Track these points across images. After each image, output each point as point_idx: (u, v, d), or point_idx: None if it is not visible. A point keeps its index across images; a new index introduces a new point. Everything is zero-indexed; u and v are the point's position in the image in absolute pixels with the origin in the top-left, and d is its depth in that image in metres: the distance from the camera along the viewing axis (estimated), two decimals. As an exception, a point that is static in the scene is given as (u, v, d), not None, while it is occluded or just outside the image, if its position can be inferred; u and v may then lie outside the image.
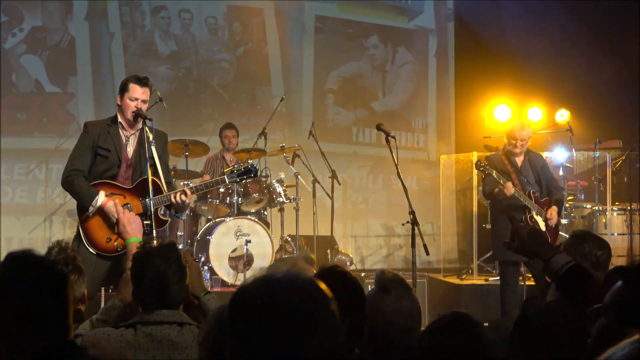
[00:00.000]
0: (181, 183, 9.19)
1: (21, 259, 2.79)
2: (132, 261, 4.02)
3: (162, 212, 6.72)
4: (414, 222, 6.81)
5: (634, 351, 1.47)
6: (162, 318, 3.79)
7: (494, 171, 8.55)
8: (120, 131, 6.68)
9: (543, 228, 8.64)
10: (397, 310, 3.47)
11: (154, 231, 6.37)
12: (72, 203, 7.00)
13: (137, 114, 6.59)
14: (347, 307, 3.13)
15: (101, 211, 6.48)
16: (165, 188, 6.62)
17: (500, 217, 8.80)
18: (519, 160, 9.02)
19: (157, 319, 3.79)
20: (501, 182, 8.49)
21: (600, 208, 11.06)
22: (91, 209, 6.46)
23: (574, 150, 11.52)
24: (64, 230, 11.65)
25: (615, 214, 11.03)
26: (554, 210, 8.87)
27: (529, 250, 3.48)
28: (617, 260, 10.69)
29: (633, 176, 11.32)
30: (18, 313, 2.68)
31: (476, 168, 8.83)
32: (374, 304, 3.46)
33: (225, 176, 7.03)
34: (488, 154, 11.49)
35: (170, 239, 4.04)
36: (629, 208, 10.99)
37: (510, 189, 8.47)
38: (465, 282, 10.88)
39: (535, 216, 8.72)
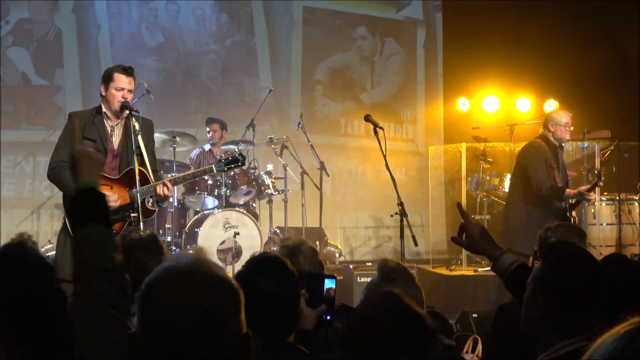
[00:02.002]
0: (169, 175, 9.16)
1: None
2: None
3: (149, 202, 6.70)
4: (403, 214, 6.80)
5: (615, 349, 1.44)
6: None
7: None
8: (105, 121, 6.63)
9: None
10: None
11: (141, 222, 6.34)
12: (60, 196, 6.96)
13: (124, 106, 6.55)
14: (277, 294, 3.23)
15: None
16: (152, 178, 6.59)
17: (541, 219, 8.42)
18: (557, 153, 8.70)
19: None
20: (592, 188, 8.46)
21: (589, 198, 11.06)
22: None
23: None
24: (52, 223, 11.60)
25: (604, 204, 11.04)
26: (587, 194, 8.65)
27: (478, 248, 3.58)
28: (606, 250, 10.73)
29: (622, 166, 11.32)
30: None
31: (597, 177, 8.72)
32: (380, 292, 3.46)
33: (213, 166, 7.01)
34: (477, 145, 11.52)
35: (153, 231, 4.02)
36: (617, 198, 11.01)
37: (593, 197, 8.50)
38: (454, 273, 10.88)
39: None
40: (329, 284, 3.74)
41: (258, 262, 3.38)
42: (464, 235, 3.57)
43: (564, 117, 8.63)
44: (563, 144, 8.86)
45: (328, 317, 3.69)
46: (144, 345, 2.00)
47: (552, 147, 8.58)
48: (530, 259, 5.13)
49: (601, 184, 8.77)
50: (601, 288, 2.99)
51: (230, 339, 1.99)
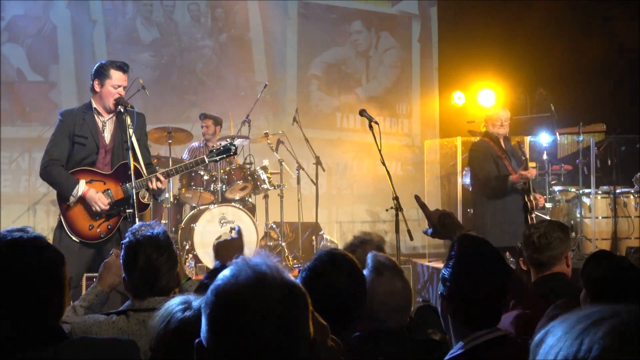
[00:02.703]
0: (162, 171, 9.16)
1: (16, 241, 2.77)
2: (124, 249, 4.02)
3: (142, 195, 6.71)
4: (398, 208, 6.80)
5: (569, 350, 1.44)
6: (155, 305, 3.78)
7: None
8: (96, 117, 6.64)
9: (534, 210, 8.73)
10: (390, 291, 3.57)
11: (136, 217, 6.35)
12: (55, 192, 6.97)
13: (118, 102, 6.56)
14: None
15: (82, 199, 6.47)
16: (144, 171, 6.61)
17: (500, 203, 8.82)
18: (503, 145, 9.05)
19: (150, 306, 3.78)
20: (525, 165, 8.61)
21: (585, 192, 11.08)
22: (72, 198, 6.45)
23: (557, 133, 11.54)
24: (48, 219, 11.60)
25: (599, 197, 11.05)
26: (538, 194, 8.95)
27: (442, 233, 3.68)
28: (602, 243, 10.75)
29: (617, 159, 11.34)
30: (18, 296, 2.66)
31: (521, 152, 8.87)
32: (368, 285, 3.53)
33: (205, 156, 7.02)
34: (473, 138, 11.52)
35: (162, 227, 4.04)
36: (613, 191, 11.02)
37: (533, 172, 8.69)
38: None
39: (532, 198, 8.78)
40: None
41: (329, 259, 3.41)
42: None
43: (491, 112, 9.35)
44: (507, 135, 9.22)
45: None
46: (212, 355, 1.97)
47: (495, 140, 9.00)
48: (519, 258, 5.17)
49: (526, 157, 8.91)
50: (505, 283, 3.04)
51: (302, 346, 1.98)
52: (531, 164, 9.14)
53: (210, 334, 1.97)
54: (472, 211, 11.26)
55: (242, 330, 1.92)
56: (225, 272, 2.02)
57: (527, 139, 11.25)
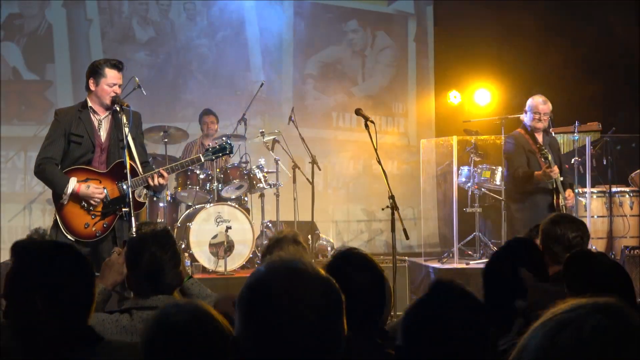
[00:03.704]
0: (165, 167, 9.17)
1: (41, 246, 2.80)
2: (128, 247, 4.04)
3: (138, 194, 6.72)
4: (394, 207, 6.82)
5: (544, 338, 1.47)
6: (158, 303, 3.80)
7: (549, 155, 8.46)
8: (91, 116, 6.65)
9: (564, 210, 8.58)
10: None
11: (132, 216, 6.35)
12: (51, 191, 6.98)
13: (114, 101, 6.56)
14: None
15: (77, 197, 6.46)
16: (140, 170, 6.61)
17: (529, 200, 8.74)
18: (540, 139, 8.91)
19: (153, 304, 3.80)
20: (549, 164, 8.42)
21: (580, 191, 11.09)
22: (64, 196, 6.44)
23: (552, 132, 11.54)
24: (44, 218, 11.59)
25: (595, 196, 11.06)
26: (570, 192, 8.85)
27: None
28: (597, 242, 10.78)
29: (612, 159, 11.35)
30: (49, 299, 2.68)
31: (542, 153, 8.54)
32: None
33: (201, 155, 7.03)
34: (468, 138, 11.53)
35: (165, 225, 4.07)
36: (608, 191, 11.04)
37: (556, 172, 8.46)
38: (446, 266, 10.90)
39: (562, 200, 8.65)
40: None
41: (348, 257, 3.46)
42: None
43: (532, 102, 8.96)
44: (547, 132, 9.07)
45: None
46: (249, 351, 1.97)
47: (530, 133, 8.83)
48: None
49: (546, 158, 8.52)
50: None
51: (337, 341, 1.99)
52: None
53: (247, 329, 1.97)
54: (470, 210, 11.31)
55: (282, 324, 1.92)
56: (260, 269, 2.03)
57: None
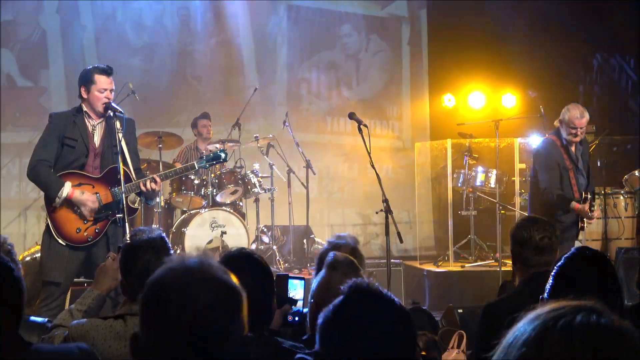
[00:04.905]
0: (159, 173, 9.17)
1: None
2: (122, 253, 4.04)
3: (131, 200, 6.73)
4: (388, 211, 6.82)
5: (533, 333, 1.49)
6: None
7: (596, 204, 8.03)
8: (86, 120, 6.65)
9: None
10: (342, 284, 3.61)
11: (127, 222, 6.36)
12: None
13: (107, 107, 6.57)
14: (255, 288, 3.24)
15: (69, 202, 6.46)
16: (133, 176, 6.61)
17: (545, 211, 8.27)
18: (574, 150, 8.37)
19: None
20: (593, 208, 7.97)
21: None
22: (57, 200, 6.45)
23: (547, 135, 11.55)
24: (39, 225, 11.56)
25: (589, 198, 11.04)
26: (597, 212, 8.33)
27: None
28: (592, 244, 10.77)
29: (606, 160, 11.37)
30: None
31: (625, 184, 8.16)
32: (323, 279, 3.64)
33: (195, 162, 7.04)
34: (463, 141, 11.55)
35: (160, 231, 4.05)
36: (603, 192, 11.04)
37: (596, 217, 8.16)
38: (441, 269, 10.91)
39: (586, 223, 8.26)
40: (294, 285, 3.80)
41: (231, 258, 3.45)
42: None
43: (567, 115, 8.24)
44: (580, 140, 8.40)
45: (296, 319, 3.76)
46: (147, 345, 2.02)
47: (565, 146, 8.31)
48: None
49: (593, 205, 8.04)
50: None
51: (234, 340, 2.01)
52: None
53: (142, 324, 2.05)
54: (465, 213, 11.32)
55: (170, 322, 1.97)
56: (162, 267, 2.10)
57: (517, 140, 11.27)
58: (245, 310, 2.07)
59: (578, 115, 8.14)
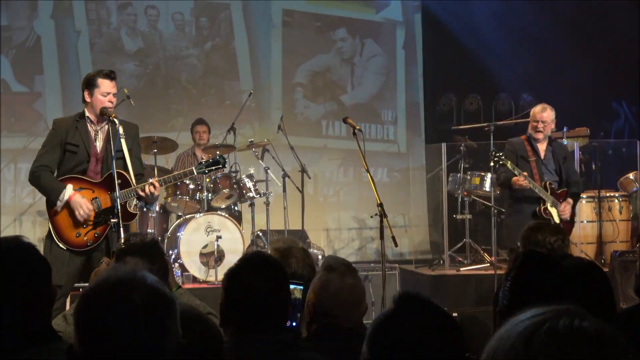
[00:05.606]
0: (149, 180, 9.17)
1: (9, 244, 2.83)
2: (115, 258, 4.04)
3: (130, 206, 6.73)
4: (382, 215, 6.83)
5: (518, 338, 1.51)
6: None
7: (509, 162, 8.42)
8: (88, 126, 6.69)
9: (557, 220, 8.56)
10: (340, 285, 3.66)
11: (122, 227, 6.37)
12: (42, 203, 7.00)
13: (102, 113, 6.60)
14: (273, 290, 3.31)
15: (69, 206, 6.49)
16: (134, 181, 6.63)
17: (516, 206, 8.79)
18: (542, 147, 8.86)
19: None
20: (515, 172, 8.42)
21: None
22: (59, 203, 6.48)
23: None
24: (34, 230, 11.57)
25: (584, 201, 11.08)
26: (568, 204, 8.77)
27: None
28: (587, 247, 10.81)
29: (601, 164, 11.40)
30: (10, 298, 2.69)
31: (490, 157, 8.72)
32: (320, 281, 3.69)
33: (194, 168, 7.05)
34: (457, 144, 11.57)
35: (153, 236, 4.07)
36: (597, 196, 11.07)
37: (520, 182, 8.41)
38: (436, 272, 10.92)
39: (549, 208, 8.59)
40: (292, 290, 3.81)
41: (249, 260, 3.44)
42: None
43: (532, 111, 8.97)
44: (551, 137, 9.07)
45: (294, 324, 3.77)
46: (82, 357, 2.04)
47: (529, 140, 8.85)
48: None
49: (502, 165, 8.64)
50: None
51: (167, 348, 2.03)
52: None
53: (77, 336, 2.06)
54: (460, 217, 11.34)
55: (103, 333, 1.99)
56: (97, 278, 2.14)
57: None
58: (177, 318, 2.09)
59: (539, 109, 8.80)
